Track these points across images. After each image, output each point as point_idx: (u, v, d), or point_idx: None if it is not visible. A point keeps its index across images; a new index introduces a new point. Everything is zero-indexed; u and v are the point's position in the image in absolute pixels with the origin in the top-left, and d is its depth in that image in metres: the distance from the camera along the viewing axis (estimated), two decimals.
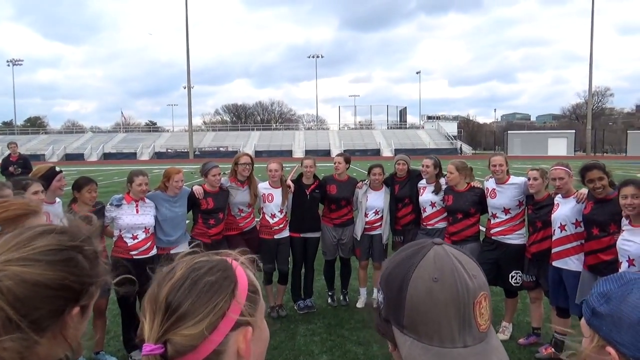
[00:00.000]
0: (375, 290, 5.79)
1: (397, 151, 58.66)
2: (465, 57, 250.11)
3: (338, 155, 6.07)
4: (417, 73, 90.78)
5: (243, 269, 0.90)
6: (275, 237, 5.58)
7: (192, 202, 5.14)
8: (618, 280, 1.03)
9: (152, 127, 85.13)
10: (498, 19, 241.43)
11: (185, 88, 61.89)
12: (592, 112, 66.42)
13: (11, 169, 10.44)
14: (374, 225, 5.86)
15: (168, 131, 79.63)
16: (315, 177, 5.84)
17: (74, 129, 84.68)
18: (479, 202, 5.09)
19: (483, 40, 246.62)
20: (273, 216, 5.58)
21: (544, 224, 4.53)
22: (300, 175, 5.86)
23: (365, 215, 5.84)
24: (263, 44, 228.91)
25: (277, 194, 5.58)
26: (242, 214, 5.48)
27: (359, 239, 5.86)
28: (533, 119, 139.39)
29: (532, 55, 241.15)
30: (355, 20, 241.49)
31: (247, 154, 5.68)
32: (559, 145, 58.68)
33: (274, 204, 5.56)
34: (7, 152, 11.44)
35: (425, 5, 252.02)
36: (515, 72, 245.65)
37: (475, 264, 0.90)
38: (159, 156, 59.44)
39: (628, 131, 64.09)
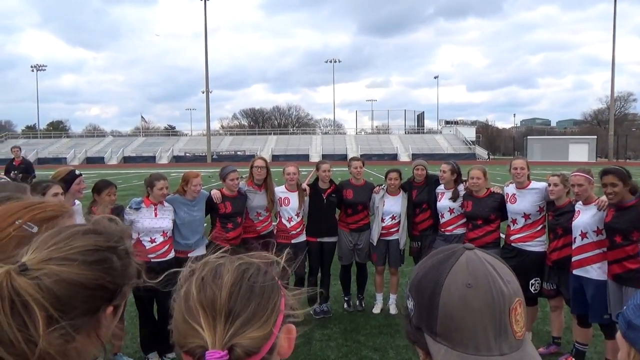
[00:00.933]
0: (378, 298, 5.87)
1: (415, 156, 58.22)
2: (484, 62, 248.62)
3: (355, 159, 6.03)
4: (435, 78, 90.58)
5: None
6: (293, 241, 5.57)
7: (210, 206, 5.16)
8: None
9: (171, 131, 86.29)
10: (517, 23, 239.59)
11: (203, 93, 62.74)
12: (615, 118, 65.17)
13: (12, 174, 10.30)
14: (391, 230, 5.82)
15: (186, 135, 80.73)
16: (331, 181, 5.84)
17: (94, 133, 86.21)
18: (499, 208, 5.02)
19: (502, 44, 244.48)
20: (290, 220, 5.58)
21: (564, 230, 4.44)
22: (317, 180, 5.86)
23: (382, 220, 5.80)
24: (281, 49, 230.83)
25: (294, 197, 5.59)
26: (260, 218, 5.49)
27: (375, 244, 5.82)
28: (553, 124, 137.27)
29: (552, 60, 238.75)
30: (373, 25, 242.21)
31: (262, 158, 5.69)
32: (580, 151, 57.57)
33: (291, 208, 5.57)
34: (11, 156, 11.45)
35: (444, 10, 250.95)
36: (535, 77, 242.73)
37: (509, 269, 0.87)
38: (177, 160, 60.19)
39: None
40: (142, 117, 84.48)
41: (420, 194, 5.75)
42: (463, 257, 0.86)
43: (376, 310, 5.90)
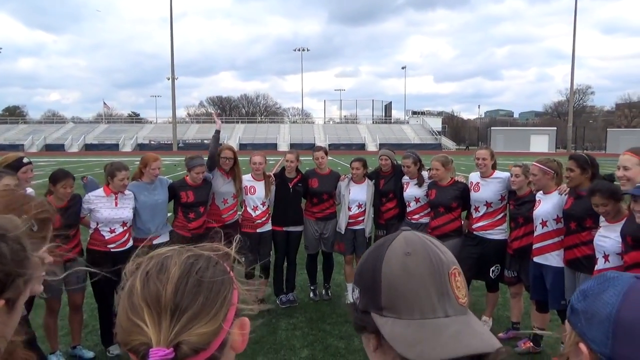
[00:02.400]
0: (349, 288, 5.88)
1: (382, 146, 58.55)
2: (452, 53, 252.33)
3: (317, 149, 6.02)
4: (403, 68, 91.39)
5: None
6: (258, 230, 5.53)
7: (173, 194, 5.07)
8: (598, 278, 1.03)
9: (135, 118, 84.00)
10: (485, 16, 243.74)
11: (169, 79, 61.22)
12: (573, 110, 67.43)
13: None
14: (358, 219, 5.82)
15: (151, 122, 78.71)
16: (297, 170, 5.81)
17: (54, 119, 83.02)
18: (461, 196, 5.10)
19: (470, 36, 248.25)
20: (255, 209, 5.53)
21: (525, 220, 4.55)
22: (283, 169, 5.81)
23: (349, 208, 5.79)
24: (251, 37, 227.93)
25: (260, 186, 5.54)
26: (226, 205, 5.44)
27: (343, 232, 5.81)
28: (516, 115, 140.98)
29: (517, 53, 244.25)
30: (344, 14, 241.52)
31: (230, 148, 5.54)
32: (541, 142, 59.43)
33: (257, 197, 5.52)
34: None
35: (413, 0, 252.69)
36: (500, 69, 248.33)
37: (444, 245, 0.91)
38: (141, 148, 58.68)
39: (608, 129, 65.24)
40: (104, 103, 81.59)
41: (387, 183, 5.78)
42: (400, 235, 0.90)
43: (347, 300, 5.92)
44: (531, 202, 4.50)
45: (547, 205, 4.28)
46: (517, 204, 4.69)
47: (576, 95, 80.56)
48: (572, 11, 58.20)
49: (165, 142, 59.96)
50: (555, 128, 64.67)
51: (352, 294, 0.92)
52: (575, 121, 66.93)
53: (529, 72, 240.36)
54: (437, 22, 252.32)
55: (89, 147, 59.33)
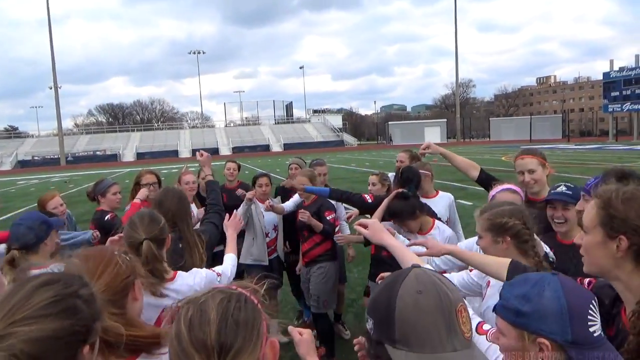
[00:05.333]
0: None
1: (287, 146, 59.18)
2: (346, 52, 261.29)
3: (230, 161, 5.45)
4: (301, 68, 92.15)
5: (248, 291, 0.99)
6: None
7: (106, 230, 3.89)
8: (526, 282, 1.18)
9: (13, 133, 75.76)
10: (375, 16, 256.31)
11: (51, 88, 56.09)
12: (459, 102, 72.97)
13: None
14: (274, 246, 4.89)
15: (33, 136, 71.69)
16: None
17: None
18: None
19: (362, 36, 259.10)
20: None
21: None
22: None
23: (267, 235, 4.74)
24: (142, 40, 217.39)
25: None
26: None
27: (268, 263, 4.68)
28: (409, 109, 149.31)
29: (406, 50, 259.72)
30: (238, 15, 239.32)
31: (152, 172, 4.34)
32: (433, 134, 63.49)
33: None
34: None
35: (308, 2, 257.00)
36: (391, 65, 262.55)
37: (452, 283, 1.01)
38: (23, 165, 53.20)
39: (490, 118, 71.48)
40: None
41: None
42: (412, 273, 1.00)
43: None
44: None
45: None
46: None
47: (460, 88, 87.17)
48: (452, 11, 62.91)
49: (52, 156, 54.84)
50: (445, 120, 69.51)
51: (367, 324, 1.01)
52: (462, 112, 72.40)
53: (418, 68, 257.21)
54: (332, 22, 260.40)
55: None
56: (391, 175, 4.57)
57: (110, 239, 2.19)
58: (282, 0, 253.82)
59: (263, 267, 4.55)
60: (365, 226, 1.95)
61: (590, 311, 1.10)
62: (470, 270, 2.22)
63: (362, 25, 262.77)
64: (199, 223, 3.52)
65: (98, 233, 3.71)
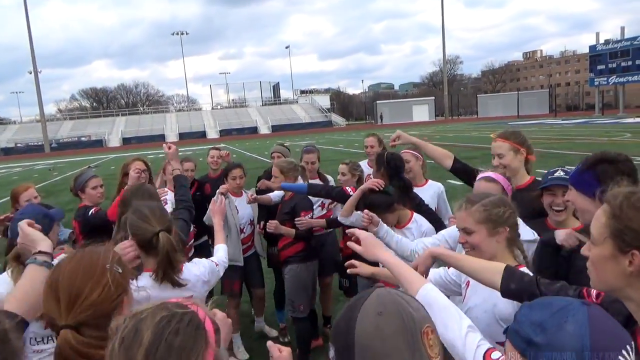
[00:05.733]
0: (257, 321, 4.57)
1: (274, 127, 58.70)
2: (333, 31, 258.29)
3: (214, 148, 5.08)
4: (287, 48, 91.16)
5: (204, 312, 0.91)
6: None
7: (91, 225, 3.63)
8: (547, 307, 1.03)
9: None
10: None
11: (31, 73, 54.85)
12: (447, 79, 72.74)
13: None
14: (251, 242, 4.50)
15: (15, 123, 70.33)
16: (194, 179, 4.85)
17: None
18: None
19: (349, 13, 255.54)
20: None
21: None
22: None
23: (242, 230, 4.34)
24: (124, 21, 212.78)
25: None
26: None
27: (242, 264, 4.29)
28: (396, 87, 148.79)
29: (393, 28, 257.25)
30: None
31: (139, 159, 4.08)
32: (421, 112, 63.55)
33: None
34: None
35: None
36: (379, 43, 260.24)
37: (416, 302, 0.93)
38: (6, 152, 52.27)
39: (478, 95, 71.56)
40: None
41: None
42: (374, 293, 0.91)
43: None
44: None
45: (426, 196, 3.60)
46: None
47: (448, 65, 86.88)
48: None
49: (35, 143, 53.88)
50: (434, 97, 69.38)
51: (330, 354, 0.94)
52: (449, 89, 72.24)
53: (405, 45, 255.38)
54: (317, 0, 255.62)
55: None
56: (362, 163, 4.32)
57: (120, 245, 2.06)
58: None
59: (239, 267, 4.19)
60: (357, 240, 1.76)
61: (620, 357, 0.92)
62: (449, 267, 2.06)
63: (349, 2, 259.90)
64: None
65: (75, 234, 3.55)
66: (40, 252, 1.71)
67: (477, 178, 2.49)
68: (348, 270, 2.24)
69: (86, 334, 1.23)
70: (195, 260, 2.40)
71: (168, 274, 2.05)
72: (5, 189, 18.68)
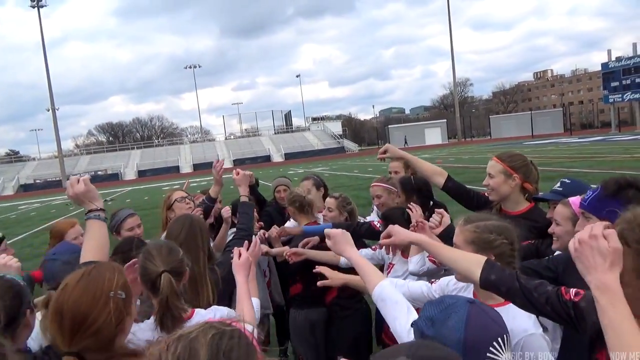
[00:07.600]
0: None
1: (287, 155, 58.99)
2: (343, 58, 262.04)
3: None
4: (297, 76, 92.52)
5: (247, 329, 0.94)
6: None
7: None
8: (439, 304, 1.18)
9: (14, 157, 75.92)
10: (370, 20, 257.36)
11: (49, 110, 56.19)
12: (458, 101, 72.77)
13: None
14: (270, 289, 4.08)
15: (34, 159, 71.73)
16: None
17: None
18: None
19: (358, 41, 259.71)
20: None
21: None
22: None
23: (264, 274, 3.99)
24: (140, 57, 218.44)
25: None
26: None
27: (272, 311, 4.02)
28: (407, 112, 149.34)
29: (402, 53, 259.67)
30: (235, 27, 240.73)
31: (178, 189, 3.76)
32: (434, 135, 63.34)
33: None
34: None
35: (302, 10, 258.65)
36: (389, 69, 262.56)
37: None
38: (25, 189, 53.12)
39: (490, 116, 71.20)
40: None
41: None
42: None
43: None
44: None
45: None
46: None
47: (458, 87, 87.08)
48: (446, 11, 62.86)
49: (53, 179, 54.75)
50: (445, 120, 69.24)
51: None
52: (460, 111, 72.17)
53: (415, 70, 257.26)
54: (327, 29, 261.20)
55: None
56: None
57: (126, 265, 1.87)
58: (277, 10, 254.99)
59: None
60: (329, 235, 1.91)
61: (491, 348, 1.08)
62: (432, 283, 2.04)
63: (358, 30, 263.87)
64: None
65: None
66: (99, 209, 1.93)
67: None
68: (318, 283, 2.30)
69: (89, 357, 1.30)
70: (214, 307, 2.10)
71: (165, 321, 1.79)
72: (22, 225, 18.85)
